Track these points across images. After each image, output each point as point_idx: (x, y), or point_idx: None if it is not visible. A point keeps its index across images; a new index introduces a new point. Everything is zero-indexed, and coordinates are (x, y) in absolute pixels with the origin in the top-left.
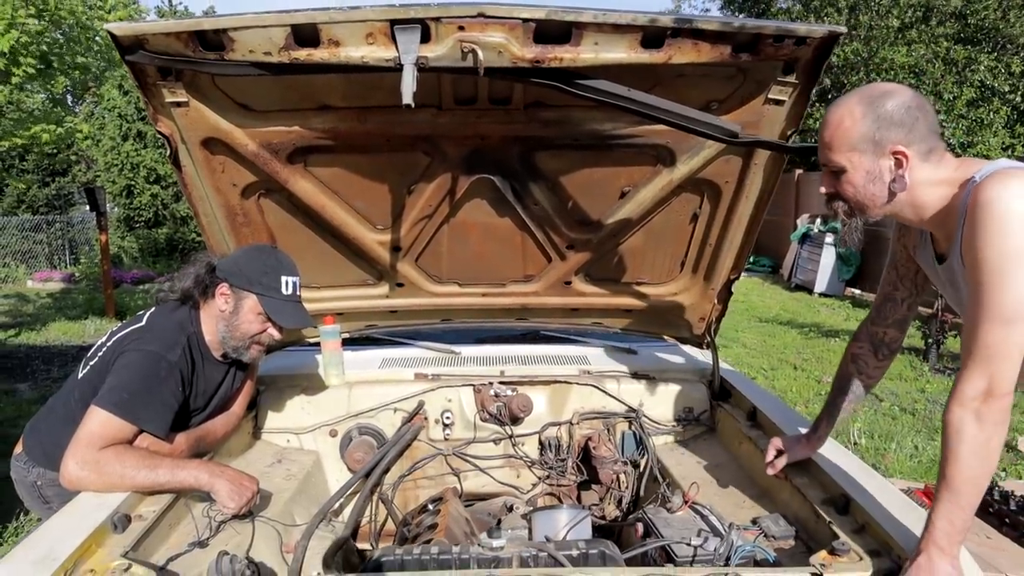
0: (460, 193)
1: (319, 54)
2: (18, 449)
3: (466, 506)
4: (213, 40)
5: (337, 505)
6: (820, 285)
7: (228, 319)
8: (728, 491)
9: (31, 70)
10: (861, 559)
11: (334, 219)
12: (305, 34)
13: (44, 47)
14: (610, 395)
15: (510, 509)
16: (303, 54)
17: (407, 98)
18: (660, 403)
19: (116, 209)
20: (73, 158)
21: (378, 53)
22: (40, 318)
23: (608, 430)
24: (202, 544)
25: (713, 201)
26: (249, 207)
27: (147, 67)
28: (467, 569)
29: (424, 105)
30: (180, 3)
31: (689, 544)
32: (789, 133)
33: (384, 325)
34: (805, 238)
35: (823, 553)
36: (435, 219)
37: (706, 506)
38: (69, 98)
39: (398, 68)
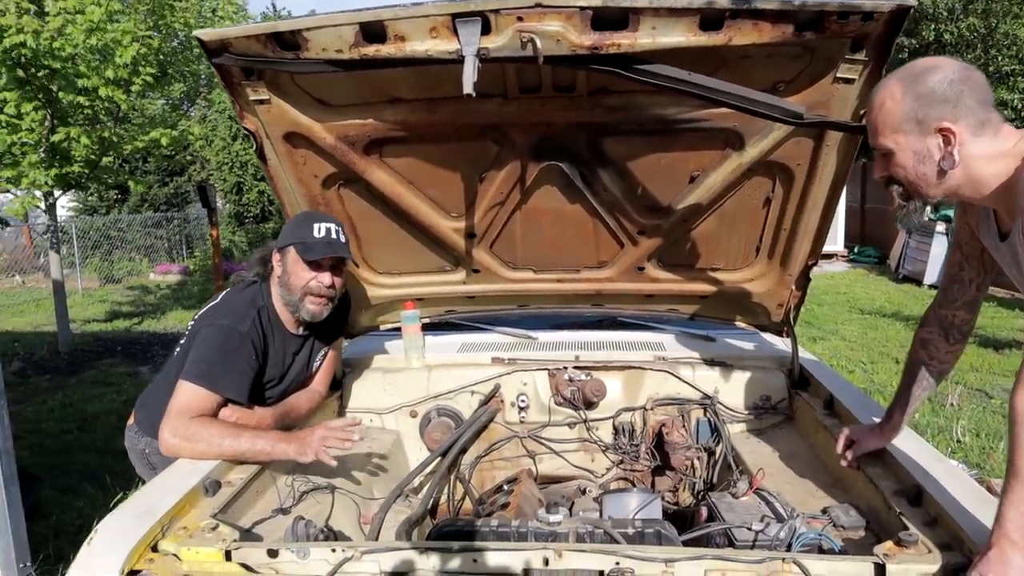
0: (530, 180)
1: (386, 49)
2: (130, 421)
3: (541, 488)
4: (289, 41)
5: (417, 483)
6: (930, 276)
7: (282, 279)
8: (801, 480)
9: (149, 79)
10: (930, 552)
11: (410, 207)
12: (372, 31)
13: (161, 56)
14: (684, 381)
15: (583, 492)
16: (371, 50)
17: (467, 88)
18: (736, 390)
19: (227, 205)
20: (189, 159)
21: (441, 46)
22: (160, 308)
23: (682, 417)
24: (284, 511)
25: (786, 184)
26: (330, 197)
27: (232, 68)
28: (524, 541)
29: (490, 95)
30: (284, 8)
31: (750, 529)
32: (862, 113)
33: (463, 310)
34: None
35: (889, 544)
36: (507, 206)
37: (773, 493)
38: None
39: (460, 60)
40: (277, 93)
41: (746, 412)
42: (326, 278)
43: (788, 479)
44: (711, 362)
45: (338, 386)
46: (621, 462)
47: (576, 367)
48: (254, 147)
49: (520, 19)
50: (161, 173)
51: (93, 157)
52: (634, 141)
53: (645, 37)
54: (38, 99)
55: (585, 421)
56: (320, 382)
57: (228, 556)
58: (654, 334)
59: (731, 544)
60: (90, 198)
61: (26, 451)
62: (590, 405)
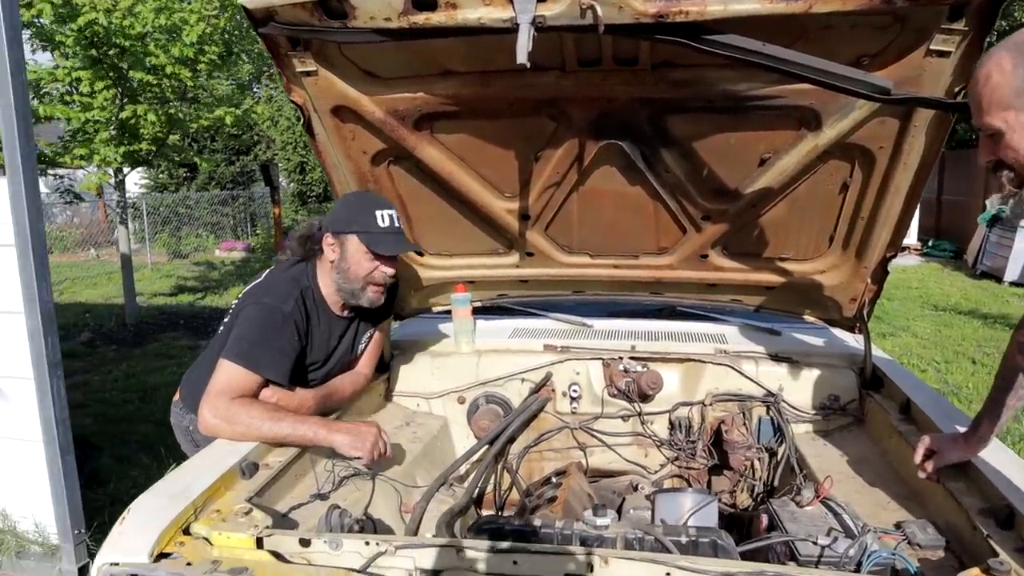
0: (588, 160)
1: (437, 17)
2: (176, 397)
3: (591, 482)
4: (336, 8)
5: (462, 471)
6: (1011, 273)
7: (339, 266)
8: (871, 490)
9: (214, 57)
10: None
11: (462, 186)
12: None
13: (227, 36)
14: (747, 377)
15: (635, 488)
16: (421, 18)
17: (521, 58)
18: (802, 388)
19: (291, 184)
20: (255, 138)
21: (495, 14)
22: (223, 283)
23: (743, 414)
24: (323, 496)
25: (866, 169)
26: (380, 174)
27: (278, 38)
28: (568, 545)
29: (547, 67)
30: None
31: (816, 543)
32: (957, 90)
33: (515, 295)
34: (995, 220)
35: (975, 571)
36: (563, 187)
37: (842, 503)
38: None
39: (514, 28)
40: (324, 64)
41: (812, 412)
42: (390, 268)
43: (857, 488)
44: (776, 357)
45: (386, 369)
46: (676, 459)
47: (632, 357)
48: (301, 121)
49: None
50: (228, 152)
51: (160, 135)
52: (700, 119)
53: (716, 4)
54: (109, 77)
55: (640, 414)
56: (365, 365)
57: (260, 543)
58: (716, 326)
59: (794, 559)
60: (160, 175)
61: (90, 419)
62: (645, 398)
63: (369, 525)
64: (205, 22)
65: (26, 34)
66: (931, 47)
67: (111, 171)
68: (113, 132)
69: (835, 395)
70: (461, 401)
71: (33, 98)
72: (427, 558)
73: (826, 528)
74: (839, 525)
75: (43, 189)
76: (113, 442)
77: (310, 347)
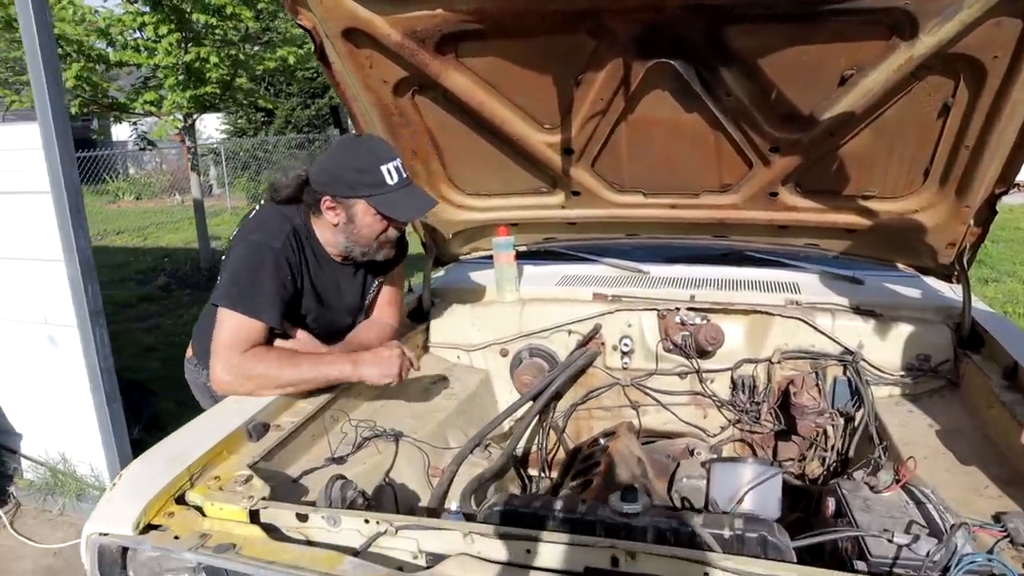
0: (636, 83)
1: None
2: (188, 354)
3: (645, 443)
4: None
5: (504, 430)
6: None
7: (346, 230)
8: (965, 470)
9: None
10: None
11: (495, 117)
12: None
13: None
14: (821, 331)
15: (691, 453)
16: None
17: None
18: (887, 346)
19: None
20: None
21: None
22: None
23: (816, 374)
24: (339, 460)
25: (973, 86)
26: (404, 106)
27: None
28: (590, 536)
29: None
30: None
31: (891, 541)
32: None
33: (563, 238)
34: None
35: None
36: (609, 116)
37: (927, 489)
38: None
39: None
40: None
41: (897, 374)
42: (402, 225)
43: (947, 467)
44: (856, 310)
45: (424, 318)
46: (739, 422)
47: (690, 308)
48: (314, 49)
49: None
50: (303, 95)
51: (226, 77)
52: (766, 30)
53: None
54: (171, 20)
55: (698, 372)
56: (389, 315)
57: (253, 516)
58: (788, 273)
59: (863, 558)
60: (239, 121)
61: (158, 362)
62: (704, 354)
63: (389, 493)
64: None
65: None
66: None
67: (180, 116)
68: (180, 77)
69: (925, 355)
70: (504, 354)
71: (107, 45)
72: (432, 541)
73: (906, 521)
74: (922, 518)
75: (123, 136)
76: (177, 386)
77: (304, 289)
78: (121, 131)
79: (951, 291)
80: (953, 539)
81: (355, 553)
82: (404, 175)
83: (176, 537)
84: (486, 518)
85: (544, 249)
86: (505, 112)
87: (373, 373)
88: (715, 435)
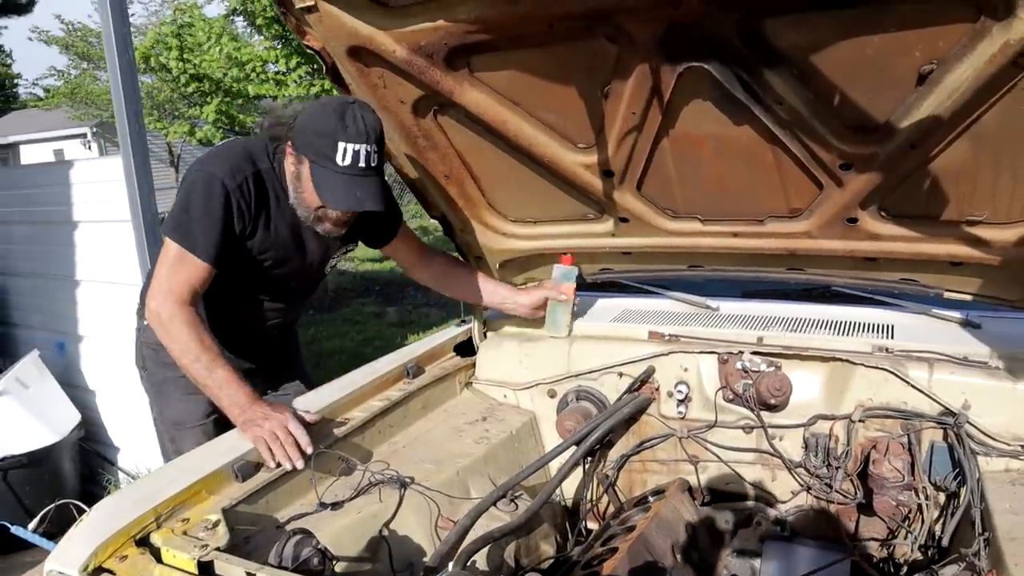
0: (668, 93)
1: None
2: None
3: (704, 504)
4: None
5: (553, 487)
6: None
7: (294, 183)
8: None
9: None
10: None
11: (521, 136)
12: None
13: None
14: (914, 386)
15: (753, 522)
16: None
17: None
18: (1001, 408)
19: None
20: None
21: None
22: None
23: (908, 438)
24: (335, 506)
25: None
26: (428, 127)
27: None
28: None
29: None
30: None
31: None
32: None
33: (620, 269)
34: None
35: None
36: (647, 132)
37: None
38: None
39: None
40: None
41: (1016, 444)
42: (336, 216)
43: None
44: (964, 360)
45: (472, 352)
46: (810, 488)
47: (755, 353)
48: (326, 70)
49: None
50: None
51: None
52: (815, 22)
53: None
54: (299, 54)
55: (763, 427)
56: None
57: (204, 568)
58: (882, 313)
59: None
60: None
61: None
62: (769, 407)
63: (384, 548)
64: None
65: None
66: None
67: None
68: None
69: None
70: (552, 395)
71: (245, 79)
72: None
73: None
74: None
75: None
76: None
77: (257, 232)
78: None
79: None
80: None
81: None
82: (364, 164)
83: None
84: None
85: (605, 281)
86: (532, 130)
87: (243, 430)
88: (786, 501)
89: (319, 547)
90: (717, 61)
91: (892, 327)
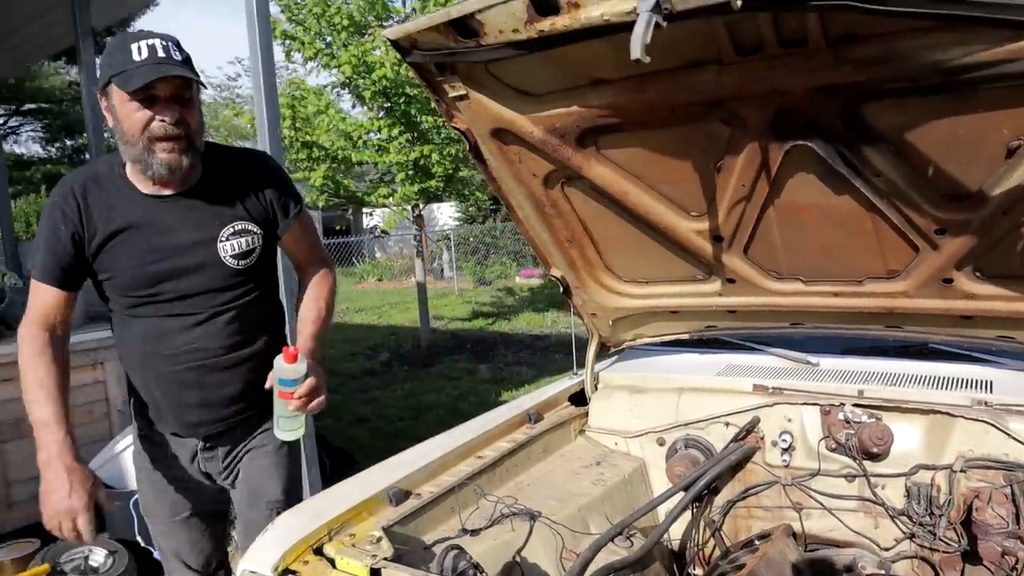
0: (776, 167)
1: (562, 21)
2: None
3: (809, 551)
4: (466, 27)
5: (665, 527)
6: None
7: (116, 130)
8: None
9: None
10: None
11: (641, 206)
12: (543, 1)
13: None
14: (1015, 438)
15: (856, 567)
16: (547, 24)
17: (635, 52)
18: None
19: None
20: None
21: (618, 7)
22: (516, 309)
23: (1011, 487)
24: (474, 532)
25: None
26: (556, 197)
27: (426, 65)
28: None
29: (703, 62)
30: None
31: None
32: None
33: (724, 326)
34: None
35: None
36: (755, 201)
37: None
38: None
39: (633, 22)
40: (474, 86)
41: None
42: (169, 113)
43: None
44: None
45: (585, 402)
46: (914, 536)
47: (856, 404)
48: (469, 148)
49: None
50: None
51: (449, 171)
52: (910, 104)
53: None
54: (401, 123)
55: (865, 475)
56: (319, 265)
57: (374, 574)
58: (981, 369)
59: None
60: (470, 208)
61: (367, 432)
62: (871, 456)
63: (517, 572)
64: None
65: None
66: None
67: (409, 207)
68: (409, 172)
69: None
70: (661, 443)
71: (351, 147)
72: None
73: None
74: None
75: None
76: (383, 454)
77: (107, 230)
78: (370, 220)
79: None
80: None
81: None
82: (163, 53)
83: None
84: None
85: (711, 337)
86: (650, 201)
87: (45, 509)
88: (887, 548)
89: (473, 562)
90: (820, 140)
91: (991, 382)
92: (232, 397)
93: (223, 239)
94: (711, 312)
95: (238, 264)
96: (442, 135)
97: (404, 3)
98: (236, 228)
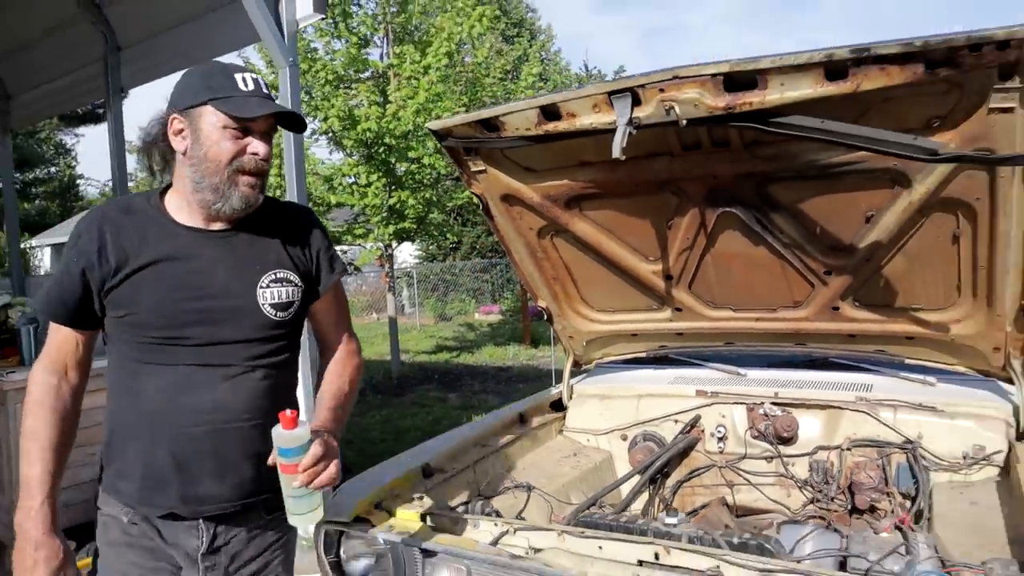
0: (711, 226)
1: (562, 125)
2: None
3: (739, 516)
4: (492, 124)
5: (623, 497)
6: None
7: (193, 155)
8: (987, 536)
9: None
10: None
11: (612, 253)
12: (550, 112)
13: None
14: (885, 424)
15: (771, 525)
16: (551, 126)
17: (616, 152)
18: (945, 438)
19: None
20: None
21: (603, 118)
22: (477, 343)
23: (882, 460)
24: (486, 498)
25: (970, 220)
26: (546, 245)
27: (456, 147)
28: (643, 535)
29: (659, 153)
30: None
31: (867, 559)
32: None
33: (674, 346)
34: None
35: None
36: (696, 250)
37: (921, 536)
38: None
39: (613, 129)
40: (491, 164)
41: (954, 461)
42: (263, 147)
43: (972, 530)
44: (919, 406)
45: (562, 408)
46: (816, 500)
47: (774, 403)
48: (481, 207)
49: (662, 90)
50: (487, 224)
51: (421, 214)
52: (800, 186)
53: (774, 93)
54: (379, 170)
55: (779, 456)
56: (336, 331)
57: (423, 518)
58: (866, 376)
59: (843, 569)
60: (430, 247)
61: (352, 452)
62: (784, 440)
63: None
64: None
65: (323, 140)
66: (991, 106)
67: (382, 246)
68: (384, 215)
69: (980, 446)
70: (624, 438)
71: (329, 190)
72: (537, 539)
73: (888, 550)
74: (905, 549)
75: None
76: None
77: (137, 260)
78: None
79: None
80: (915, 569)
81: (489, 543)
82: (265, 91)
83: (373, 526)
84: (574, 525)
85: (664, 355)
86: (619, 249)
87: (13, 564)
88: (796, 511)
89: (495, 509)
90: (742, 207)
91: (871, 385)
92: (251, 472)
93: (263, 285)
94: (663, 334)
95: (276, 315)
96: (416, 179)
97: (381, 58)
98: (278, 275)
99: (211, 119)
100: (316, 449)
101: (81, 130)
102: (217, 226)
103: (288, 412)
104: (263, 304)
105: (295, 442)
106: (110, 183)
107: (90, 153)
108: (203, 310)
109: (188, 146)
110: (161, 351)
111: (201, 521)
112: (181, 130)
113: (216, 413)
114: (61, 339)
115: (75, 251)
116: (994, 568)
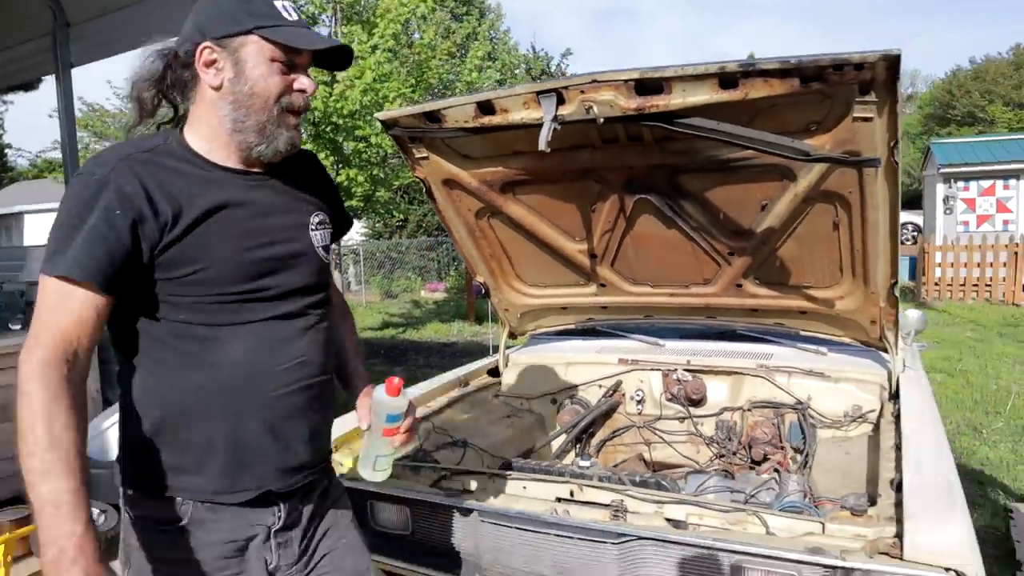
0: (629, 210)
1: (496, 119)
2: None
3: (655, 470)
4: (434, 116)
5: (552, 453)
6: None
7: (233, 90)
8: (854, 479)
9: None
10: (873, 519)
11: (543, 233)
12: (486, 107)
13: None
14: (780, 388)
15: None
16: (486, 120)
17: (542, 145)
18: (830, 399)
19: None
20: None
21: (532, 115)
22: (422, 320)
23: (776, 420)
24: (426, 452)
25: (846, 210)
26: (483, 226)
27: (402, 136)
28: (560, 476)
29: (582, 146)
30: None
31: (743, 492)
32: (891, 145)
33: (601, 318)
34: None
35: (842, 512)
36: (616, 232)
37: (793, 476)
38: None
39: (541, 124)
40: (434, 151)
41: (836, 419)
42: (309, 83)
43: (842, 474)
44: (809, 372)
45: (499, 375)
46: (721, 455)
47: (686, 370)
48: (425, 190)
49: (582, 91)
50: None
51: (368, 192)
52: (704, 177)
53: (678, 98)
54: (327, 148)
55: (690, 417)
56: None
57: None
58: (768, 347)
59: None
60: (376, 225)
61: None
62: (694, 402)
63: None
64: (403, 99)
65: None
66: (854, 115)
67: None
68: None
69: (858, 406)
70: (553, 402)
71: None
72: (472, 480)
73: (763, 486)
74: (777, 486)
75: None
76: None
77: (193, 212)
78: None
79: (892, 358)
80: (785, 496)
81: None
82: (304, 21)
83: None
84: (503, 468)
85: (590, 327)
86: (549, 229)
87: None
88: (704, 464)
89: (435, 459)
90: (655, 195)
91: (771, 354)
92: (328, 433)
93: (313, 227)
94: (590, 308)
95: (325, 258)
96: (363, 157)
97: (329, 36)
98: (319, 218)
99: (257, 49)
100: (414, 412)
101: (10, 97)
102: (256, 169)
103: (395, 380)
104: (317, 247)
105: (399, 408)
106: (43, 154)
107: (23, 122)
108: (272, 257)
109: (226, 80)
110: (239, 309)
111: (279, 506)
112: (214, 61)
113: (304, 368)
114: (85, 310)
115: (114, 200)
116: (848, 499)
